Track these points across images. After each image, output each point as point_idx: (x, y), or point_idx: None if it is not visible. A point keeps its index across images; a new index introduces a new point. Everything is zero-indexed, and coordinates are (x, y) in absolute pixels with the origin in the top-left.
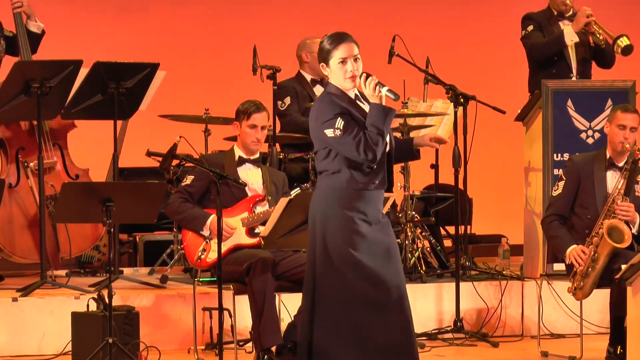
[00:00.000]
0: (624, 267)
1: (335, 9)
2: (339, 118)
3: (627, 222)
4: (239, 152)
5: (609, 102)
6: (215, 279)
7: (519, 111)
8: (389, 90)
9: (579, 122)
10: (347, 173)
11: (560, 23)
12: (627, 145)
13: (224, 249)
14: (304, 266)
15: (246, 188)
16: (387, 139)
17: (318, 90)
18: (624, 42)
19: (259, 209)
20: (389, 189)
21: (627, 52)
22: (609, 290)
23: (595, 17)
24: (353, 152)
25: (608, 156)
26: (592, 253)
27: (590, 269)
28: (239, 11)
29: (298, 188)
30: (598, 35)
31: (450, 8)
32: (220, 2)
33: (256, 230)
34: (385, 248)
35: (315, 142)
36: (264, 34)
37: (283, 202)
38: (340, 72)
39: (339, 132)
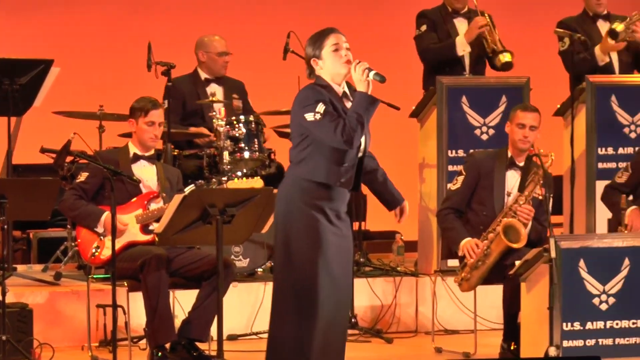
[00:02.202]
0: (517, 263)
1: (231, 5)
2: (321, 103)
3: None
4: (133, 149)
5: (504, 99)
6: (109, 275)
7: (414, 107)
8: (376, 74)
9: (474, 118)
10: (315, 162)
11: (455, 21)
12: (541, 151)
13: (117, 245)
14: (199, 262)
15: (140, 185)
16: (362, 145)
17: (212, 88)
18: (505, 57)
19: (153, 206)
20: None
21: (505, 68)
22: (503, 286)
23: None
24: (330, 134)
25: (509, 155)
26: (486, 248)
27: (480, 263)
28: (134, 7)
29: (192, 185)
30: (489, 42)
31: (346, 3)
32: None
33: (150, 227)
34: (346, 251)
35: (293, 129)
36: (159, 30)
37: (177, 198)
38: (335, 58)
39: (319, 116)
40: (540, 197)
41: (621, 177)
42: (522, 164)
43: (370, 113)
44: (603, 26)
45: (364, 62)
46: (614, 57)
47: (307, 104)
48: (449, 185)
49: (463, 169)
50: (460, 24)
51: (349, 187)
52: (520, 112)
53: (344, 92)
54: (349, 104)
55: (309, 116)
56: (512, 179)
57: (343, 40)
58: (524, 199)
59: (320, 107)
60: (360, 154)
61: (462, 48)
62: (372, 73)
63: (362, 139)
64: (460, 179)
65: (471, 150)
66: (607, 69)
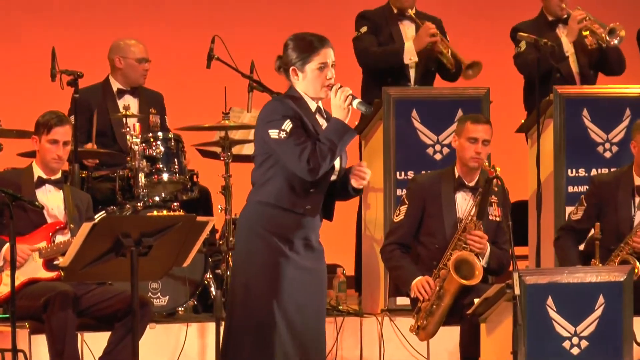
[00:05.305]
0: (476, 301)
1: (150, 6)
2: (288, 120)
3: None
4: (38, 171)
5: (460, 113)
6: (7, 315)
7: (357, 123)
8: (361, 103)
9: (426, 135)
10: (279, 186)
11: (400, 24)
12: (486, 163)
13: (17, 282)
14: (111, 301)
15: (45, 213)
16: (337, 167)
17: (126, 101)
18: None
19: (60, 238)
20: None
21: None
22: (459, 327)
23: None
24: (294, 159)
25: (457, 175)
26: (438, 288)
27: (435, 306)
28: (35, 7)
29: (103, 211)
30: (443, 58)
31: (277, 7)
32: (13, 1)
33: (55, 262)
34: (313, 288)
35: (256, 146)
36: (64, 35)
37: (86, 227)
38: (318, 80)
39: (284, 135)
40: (497, 219)
41: (576, 213)
42: (472, 183)
43: (345, 143)
44: (563, 31)
45: (346, 87)
46: (571, 56)
47: (273, 119)
48: (392, 217)
49: (405, 197)
50: (406, 28)
51: (315, 214)
52: (470, 124)
53: (318, 107)
54: (322, 121)
55: (273, 133)
56: (463, 202)
57: (331, 58)
58: (473, 224)
59: (287, 125)
60: (333, 177)
61: (410, 56)
62: (356, 101)
63: (337, 161)
64: (403, 209)
65: (414, 174)
66: (567, 74)
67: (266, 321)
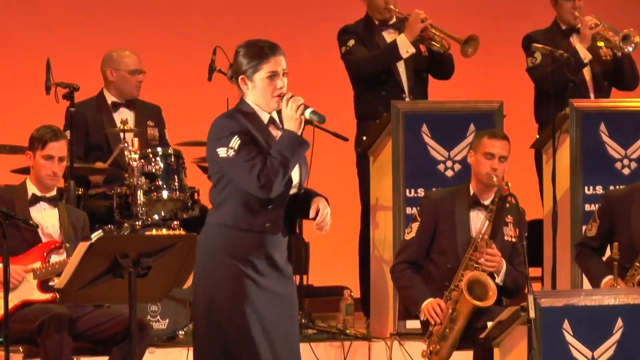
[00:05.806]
0: (490, 324)
1: (148, 17)
2: (236, 136)
3: (491, 273)
4: (32, 188)
5: (472, 128)
6: (1, 339)
7: (364, 138)
8: (314, 112)
9: (437, 151)
10: (235, 206)
11: (384, 33)
12: (494, 179)
13: (10, 304)
14: (108, 324)
15: (39, 232)
16: (296, 180)
17: (123, 114)
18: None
19: (55, 258)
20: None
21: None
22: (472, 352)
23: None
24: (244, 177)
25: (472, 192)
26: (451, 311)
27: (448, 330)
28: (30, 19)
29: (100, 230)
30: (436, 43)
31: (279, 18)
32: (6, 9)
33: (50, 284)
34: (283, 310)
35: (209, 165)
36: (59, 46)
37: (82, 247)
38: (268, 89)
39: (232, 153)
40: (513, 239)
41: (591, 229)
42: (487, 202)
43: (298, 156)
44: (577, 40)
45: (298, 96)
46: (586, 69)
47: (221, 136)
48: (403, 235)
49: (417, 214)
50: (391, 36)
51: (276, 232)
52: (487, 139)
53: (271, 118)
54: (276, 133)
55: (222, 151)
56: (477, 221)
57: (283, 65)
58: (485, 243)
59: (235, 142)
60: (294, 191)
61: (406, 49)
62: (308, 111)
63: (296, 172)
64: (415, 226)
65: (424, 191)
66: (579, 81)
67: (231, 347)
